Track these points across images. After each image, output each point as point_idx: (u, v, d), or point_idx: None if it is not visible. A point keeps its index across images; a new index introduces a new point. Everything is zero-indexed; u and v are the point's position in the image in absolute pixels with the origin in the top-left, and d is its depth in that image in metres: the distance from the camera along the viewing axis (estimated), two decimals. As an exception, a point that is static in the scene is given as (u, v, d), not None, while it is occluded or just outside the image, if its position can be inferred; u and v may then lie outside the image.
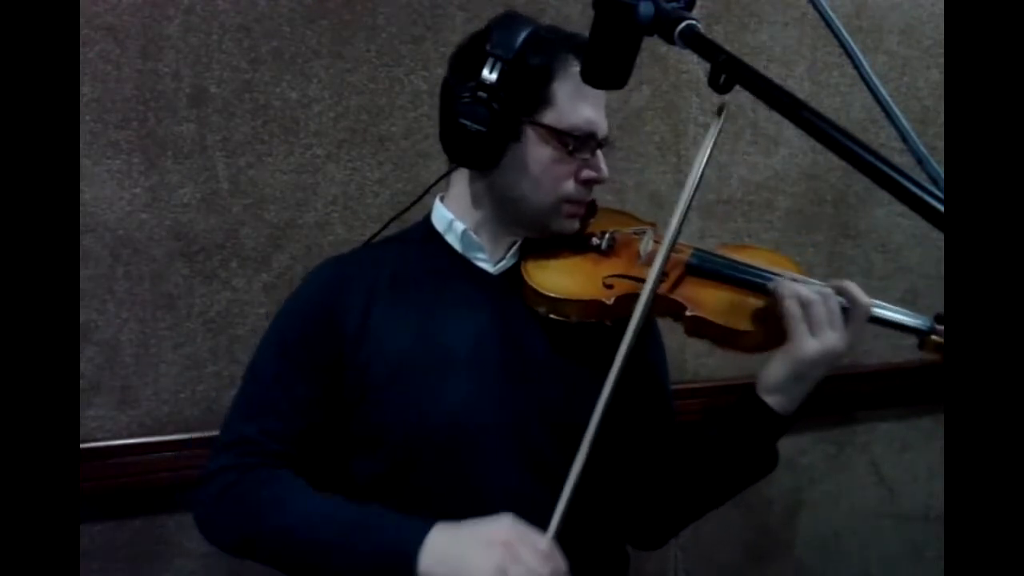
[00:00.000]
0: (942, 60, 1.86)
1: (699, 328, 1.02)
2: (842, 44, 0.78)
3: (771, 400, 0.99)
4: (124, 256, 1.33)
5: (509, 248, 1.10)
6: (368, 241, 1.18)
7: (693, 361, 1.73)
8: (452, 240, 1.10)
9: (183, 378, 1.38)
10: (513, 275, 1.08)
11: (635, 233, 1.14)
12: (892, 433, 1.98)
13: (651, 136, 1.65)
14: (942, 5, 1.83)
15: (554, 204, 1.06)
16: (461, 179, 1.10)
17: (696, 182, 0.89)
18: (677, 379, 1.35)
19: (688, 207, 0.90)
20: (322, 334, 1.03)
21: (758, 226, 1.77)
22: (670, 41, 0.74)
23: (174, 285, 1.36)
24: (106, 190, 1.31)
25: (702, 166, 0.88)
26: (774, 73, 1.70)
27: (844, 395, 1.85)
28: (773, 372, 0.99)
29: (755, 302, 1.03)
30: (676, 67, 1.64)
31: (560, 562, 0.89)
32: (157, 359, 1.37)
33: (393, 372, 1.01)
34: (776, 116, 0.67)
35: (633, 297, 0.97)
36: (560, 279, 1.05)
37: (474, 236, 1.08)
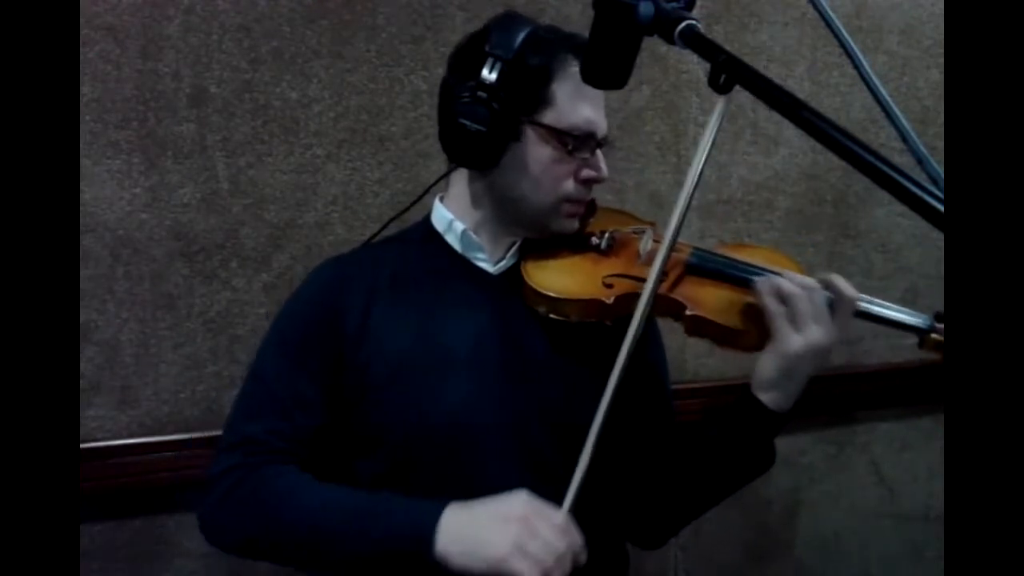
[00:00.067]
0: (942, 60, 1.86)
1: (699, 327, 1.02)
2: (842, 44, 0.79)
3: (765, 397, 0.99)
4: (124, 256, 1.33)
5: (509, 248, 1.10)
6: (368, 241, 1.18)
7: (693, 361, 1.73)
8: (452, 240, 1.10)
9: (183, 378, 1.38)
10: (513, 275, 1.08)
11: (634, 232, 1.14)
12: (892, 433, 1.98)
13: (651, 136, 1.65)
14: (942, 5, 1.83)
15: (554, 204, 1.06)
16: (461, 179, 1.10)
17: (702, 163, 0.87)
18: (677, 379, 1.35)
19: (689, 203, 0.89)
20: (323, 334, 1.03)
21: (758, 226, 1.77)
22: (670, 41, 0.74)
23: (174, 285, 1.36)
24: (106, 190, 1.31)
25: (707, 148, 0.87)
26: (774, 73, 1.70)
27: (844, 395, 1.86)
28: (763, 369, 0.99)
29: (753, 300, 1.03)
30: (676, 67, 1.64)
31: (576, 536, 0.90)
32: (157, 359, 1.37)
33: (393, 372, 1.01)
34: (776, 116, 0.67)
35: (633, 296, 0.97)
36: (560, 279, 1.05)
37: (474, 236, 1.08)
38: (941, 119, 1.85)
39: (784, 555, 1.91)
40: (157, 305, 1.36)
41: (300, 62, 1.39)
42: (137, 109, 1.31)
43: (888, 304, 1.06)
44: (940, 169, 0.68)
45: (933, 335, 1.04)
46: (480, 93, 0.99)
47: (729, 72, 0.69)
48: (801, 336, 0.96)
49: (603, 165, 1.06)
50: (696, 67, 1.65)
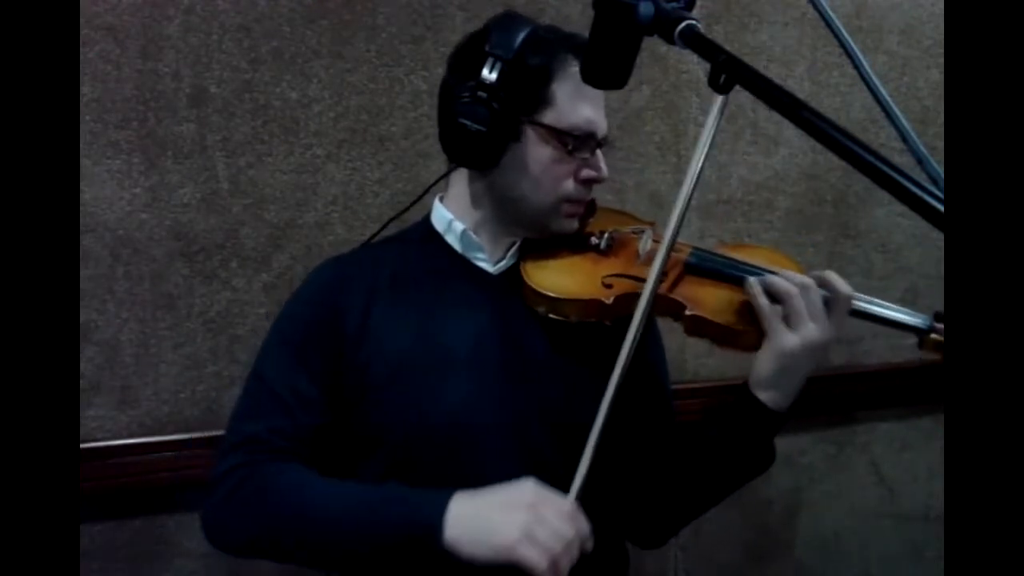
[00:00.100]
0: (942, 60, 1.86)
1: (699, 327, 1.02)
2: (842, 44, 0.79)
3: (764, 396, 0.99)
4: (124, 256, 1.33)
5: (509, 248, 1.10)
6: (368, 241, 1.18)
7: (693, 361, 1.73)
8: (452, 240, 1.10)
9: (183, 378, 1.38)
10: (513, 275, 1.08)
11: (634, 232, 1.14)
12: (892, 433, 1.97)
13: (651, 136, 1.65)
14: (942, 5, 1.83)
15: (554, 204, 1.06)
16: (461, 179, 1.10)
17: (701, 163, 0.87)
18: (677, 379, 1.35)
19: (688, 203, 0.89)
20: (323, 334, 1.03)
21: (758, 226, 1.77)
22: (670, 41, 0.74)
23: (174, 285, 1.36)
24: (106, 190, 1.31)
25: (706, 147, 0.87)
26: (774, 73, 1.70)
27: (844, 395, 1.86)
28: (760, 368, 0.99)
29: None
30: (676, 67, 1.64)
31: (583, 523, 0.90)
32: (157, 359, 1.37)
33: (393, 372, 1.01)
34: (776, 116, 0.67)
35: (632, 296, 0.97)
36: (559, 279, 1.05)
37: (473, 236, 1.08)
38: (941, 119, 1.85)
39: (784, 555, 1.91)
40: (157, 305, 1.36)
41: (300, 62, 1.39)
42: (137, 109, 1.31)
43: (887, 304, 1.05)
44: (940, 169, 0.68)
45: (933, 335, 1.03)
46: (480, 93, 0.99)
47: (729, 72, 0.69)
48: (796, 334, 0.96)
49: (603, 165, 1.06)
50: (696, 67, 1.65)
